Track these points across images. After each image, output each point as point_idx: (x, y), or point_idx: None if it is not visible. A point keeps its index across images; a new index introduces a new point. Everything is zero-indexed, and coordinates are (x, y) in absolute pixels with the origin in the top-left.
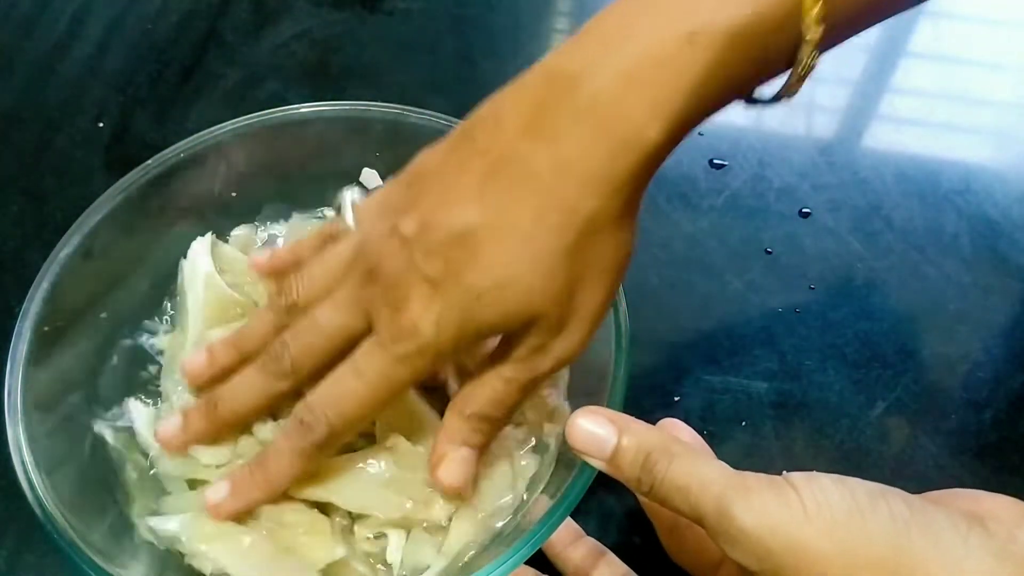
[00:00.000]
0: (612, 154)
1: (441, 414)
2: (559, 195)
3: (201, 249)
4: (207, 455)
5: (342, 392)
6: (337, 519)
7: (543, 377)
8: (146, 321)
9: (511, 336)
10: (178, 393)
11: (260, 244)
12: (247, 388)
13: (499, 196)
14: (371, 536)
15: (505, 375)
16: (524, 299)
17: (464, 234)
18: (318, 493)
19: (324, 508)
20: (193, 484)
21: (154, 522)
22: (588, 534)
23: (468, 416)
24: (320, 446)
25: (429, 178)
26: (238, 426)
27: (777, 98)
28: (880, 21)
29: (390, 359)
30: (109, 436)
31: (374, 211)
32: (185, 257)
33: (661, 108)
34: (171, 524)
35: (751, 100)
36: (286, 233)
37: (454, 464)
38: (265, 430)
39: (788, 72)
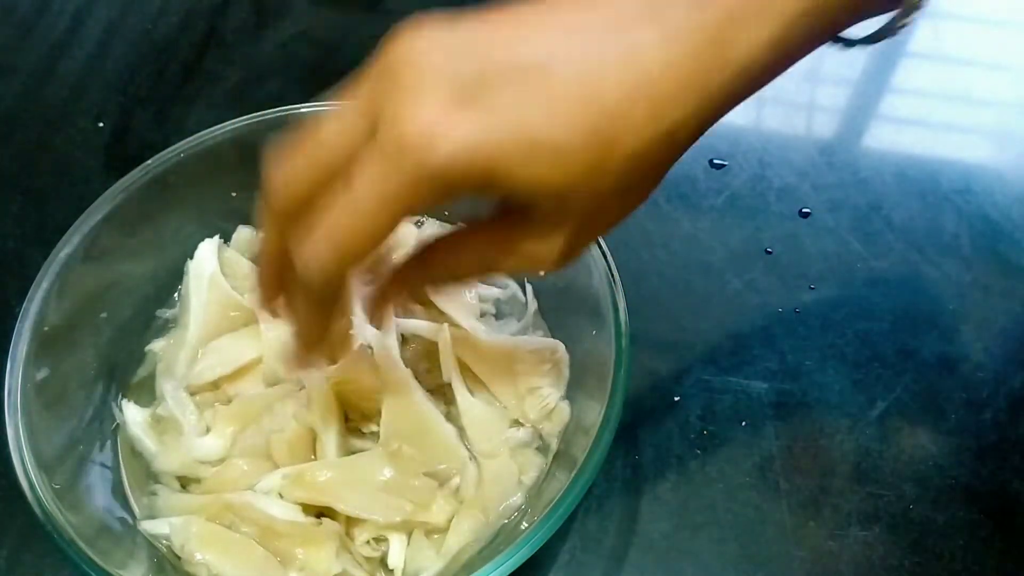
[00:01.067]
0: (713, 58)
1: (444, 414)
2: (656, 87)
3: (208, 251)
4: (202, 451)
5: (328, 224)
6: (332, 525)
7: (519, 270)
8: (144, 321)
9: (513, 209)
10: (174, 394)
11: None
12: (263, 239)
13: (597, 52)
14: (370, 541)
15: (490, 254)
16: (576, 173)
17: (546, 66)
18: (317, 497)
19: (320, 514)
20: (185, 484)
21: (146, 525)
22: (587, 533)
23: (428, 274)
24: (315, 299)
25: (501, 14)
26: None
27: (885, 33)
28: None
29: (388, 171)
30: (108, 436)
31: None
32: (191, 258)
33: (769, 16)
34: (163, 527)
35: (847, 41)
36: None
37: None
38: (270, 420)
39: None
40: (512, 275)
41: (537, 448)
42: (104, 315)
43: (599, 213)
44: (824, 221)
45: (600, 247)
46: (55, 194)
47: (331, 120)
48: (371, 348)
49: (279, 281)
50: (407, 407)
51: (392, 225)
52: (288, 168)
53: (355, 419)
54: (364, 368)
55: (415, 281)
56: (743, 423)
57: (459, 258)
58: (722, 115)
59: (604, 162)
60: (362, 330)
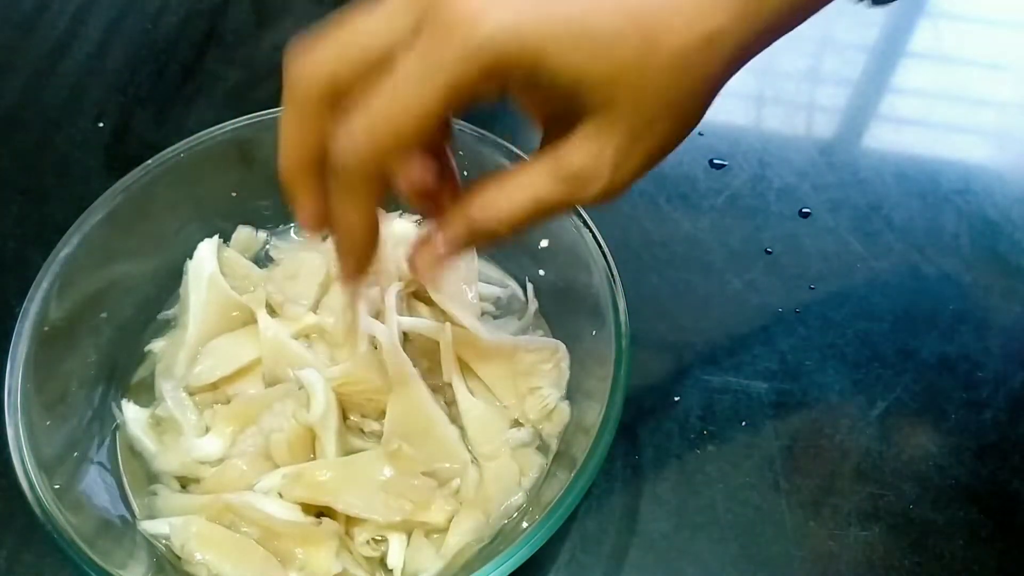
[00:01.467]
0: None
1: (447, 414)
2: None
3: (207, 251)
4: (202, 451)
5: (368, 107)
6: (332, 525)
7: (571, 197)
8: (144, 321)
9: (559, 124)
10: (174, 394)
11: (261, 246)
12: (284, 139)
13: None
14: (370, 541)
15: (541, 183)
16: (619, 63)
17: None
18: (317, 496)
19: (319, 514)
20: (185, 484)
21: (146, 525)
22: (587, 533)
23: (473, 221)
24: (354, 190)
25: None
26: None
27: None
28: None
29: (433, 47)
30: (108, 436)
31: None
32: (190, 258)
33: None
34: (163, 527)
35: None
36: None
37: (432, 262)
38: (270, 420)
39: None
40: (566, 209)
41: (537, 448)
42: (104, 315)
43: (647, 122)
44: (824, 221)
45: (600, 247)
46: (55, 194)
47: (373, 12)
48: (375, 345)
49: (309, 179)
50: (413, 406)
51: (435, 111)
52: (318, 54)
53: (355, 419)
54: (372, 367)
55: (459, 231)
56: (743, 423)
57: (508, 195)
58: (762, 42)
59: (647, 57)
60: (368, 325)
